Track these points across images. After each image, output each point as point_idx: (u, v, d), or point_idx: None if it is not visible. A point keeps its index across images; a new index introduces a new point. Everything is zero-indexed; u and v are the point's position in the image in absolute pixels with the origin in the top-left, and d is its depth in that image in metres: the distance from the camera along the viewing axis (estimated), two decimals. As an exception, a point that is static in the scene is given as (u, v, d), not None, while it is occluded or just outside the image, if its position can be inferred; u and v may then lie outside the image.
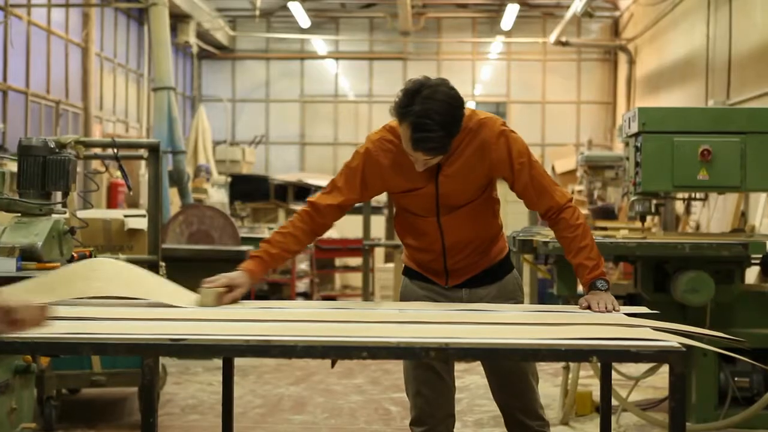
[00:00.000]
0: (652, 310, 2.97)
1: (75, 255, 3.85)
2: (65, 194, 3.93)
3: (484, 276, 3.09)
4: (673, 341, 2.18)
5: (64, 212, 4.00)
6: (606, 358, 2.14)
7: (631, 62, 15.59)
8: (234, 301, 2.84)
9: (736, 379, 4.93)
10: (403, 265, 3.25)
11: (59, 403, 5.05)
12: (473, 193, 2.98)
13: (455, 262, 3.07)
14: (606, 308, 2.79)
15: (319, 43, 18.51)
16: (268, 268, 3.02)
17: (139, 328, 2.31)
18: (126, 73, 14.77)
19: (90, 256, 4.00)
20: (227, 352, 2.15)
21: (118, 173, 10.71)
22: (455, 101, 2.76)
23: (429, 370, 3.04)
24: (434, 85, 2.76)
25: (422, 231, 3.05)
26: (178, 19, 15.05)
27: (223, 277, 2.87)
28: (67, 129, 11.66)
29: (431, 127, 2.70)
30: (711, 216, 9.54)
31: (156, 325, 2.37)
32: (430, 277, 3.13)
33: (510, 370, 3.05)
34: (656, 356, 2.13)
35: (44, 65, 11.41)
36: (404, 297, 3.20)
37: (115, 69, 14.21)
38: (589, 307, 2.83)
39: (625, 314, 2.77)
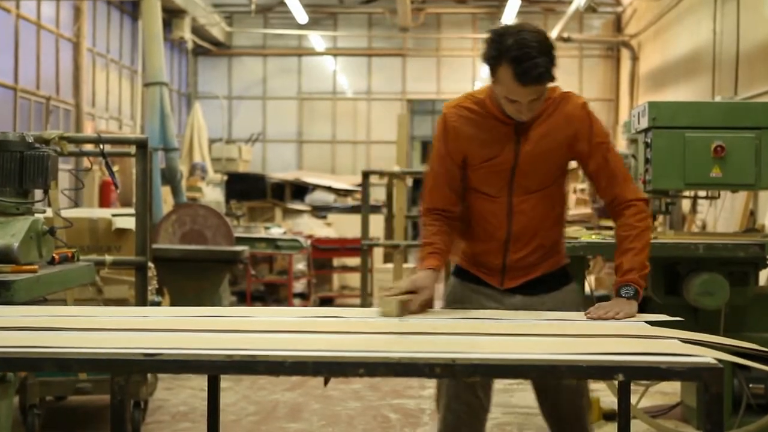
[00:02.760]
0: (662, 313, 2.81)
1: (56, 256, 3.66)
2: (45, 192, 3.72)
3: (542, 282, 2.88)
4: (707, 356, 1.94)
5: (44, 211, 3.79)
6: (633, 375, 1.91)
7: (635, 58, 15.38)
8: (422, 308, 2.67)
9: (750, 385, 4.74)
10: (454, 264, 3.05)
11: (43, 411, 4.84)
12: (549, 172, 2.83)
13: (515, 259, 2.87)
14: (603, 316, 2.61)
15: (317, 40, 18.29)
16: (446, 259, 2.89)
17: (109, 341, 2.07)
18: (119, 69, 14.52)
19: (73, 258, 3.80)
20: (207, 369, 1.92)
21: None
22: (543, 30, 2.69)
23: (463, 384, 2.85)
24: (517, 24, 2.70)
25: (489, 214, 2.87)
26: (173, 14, 14.82)
27: (413, 281, 2.71)
28: (58, 126, 11.40)
29: (533, 54, 2.59)
30: (718, 215, 9.32)
31: (128, 337, 2.13)
32: (484, 278, 2.93)
33: (565, 393, 2.85)
34: (689, 374, 1.90)
35: (34, 60, 11.17)
36: (450, 299, 3.01)
37: (108, 65, 13.97)
38: (593, 311, 2.66)
39: (646, 322, 2.56)
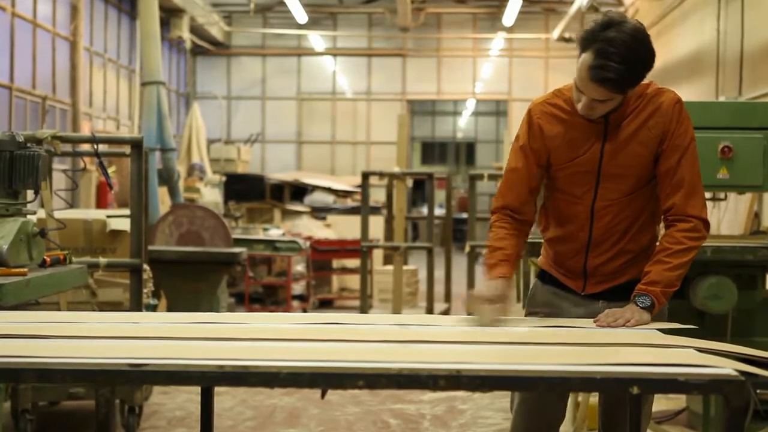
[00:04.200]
0: (668, 317, 2.73)
1: (47, 259, 3.56)
2: (35, 192, 3.62)
3: (628, 289, 2.68)
4: (727, 367, 1.83)
5: (34, 212, 3.68)
6: (649, 388, 1.80)
7: (636, 59, 15.26)
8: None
9: (758, 391, 4.63)
10: (539, 268, 2.95)
11: (35, 416, 4.73)
12: (638, 175, 2.68)
13: (597, 263, 2.75)
14: (612, 324, 2.49)
15: (316, 40, 18.19)
16: (516, 264, 2.76)
17: (95, 350, 1.95)
18: (117, 68, 14.40)
19: (65, 260, 3.71)
20: (197, 381, 1.81)
21: (109, 171, 10.38)
22: (649, 46, 2.55)
23: None
24: (632, 23, 2.55)
25: (572, 216, 2.75)
26: (171, 13, 14.71)
27: (489, 289, 2.57)
28: (55, 126, 11.27)
29: (616, 57, 2.47)
30: (722, 217, 9.21)
31: (114, 346, 2.02)
32: (566, 282, 2.82)
33: (622, 405, 2.70)
34: (709, 386, 1.79)
35: (30, 59, 11.03)
36: (532, 302, 2.90)
37: (105, 64, 13.84)
38: (602, 318, 2.55)
39: (658, 330, 2.45)
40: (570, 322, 2.62)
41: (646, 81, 2.66)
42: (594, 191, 2.70)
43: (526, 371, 1.81)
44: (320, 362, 1.85)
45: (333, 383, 1.82)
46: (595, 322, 2.55)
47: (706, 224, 2.69)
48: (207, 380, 1.82)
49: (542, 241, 2.96)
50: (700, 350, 2.06)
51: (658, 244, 2.70)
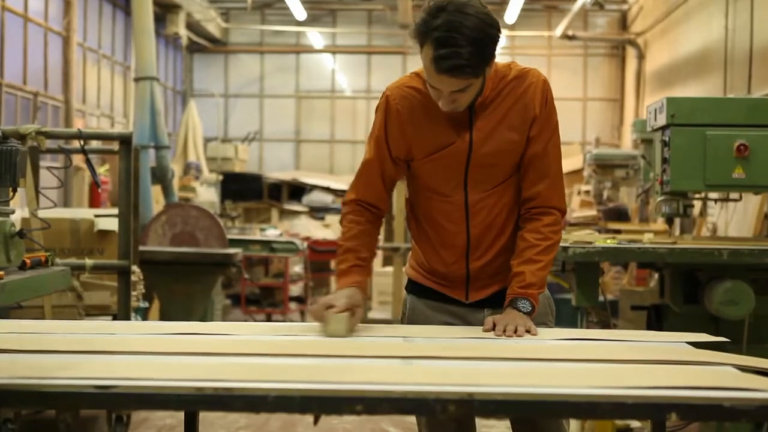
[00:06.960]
0: (681, 323, 2.52)
1: (27, 261, 3.37)
2: (13, 190, 3.42)
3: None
4: (780, 391, 1.61)
5: (13, 211, 3.49)
6: (690, 415, 1.59)
7: (641, 57, 15.07)
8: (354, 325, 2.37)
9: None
10: (406, 279, 2.68)
11: (18, 425, 4.52)
12: (509, 163, 2.48)
13: (479, 267, 2.52)
14: (515, 333, 2.30)
15: (315, 37, 17.98)
16: (369, 273, 2.53)
17: (58, 368, 1.72)
18: (111, 65, 14.16)
19: (46, 262, 3.52)
20: (174, 405, 1.59)
21: (102, 169, 10.14)
22: (489, 18, 2.29)
23: None
24: (463, 1, 2.28)
25: (444, 217, 2.51)
26: (167, 9, 14.48)
27: (341, 298, 2.36)
28: (47, 123, 11.03)
29: (459, 41, 2.21)
30: (730, 218, 9.00)
31: (81, 362, 1.79)
32: (445, 292, 2.57)
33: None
34: (759, 413, 1.57)
35: (21, 55, 10.79)
36: (410, 322, 2.62)
37: (99, 60, 13.60)
38: (496, 328, 2.36)
39: (687, 343, 2.23)
40: (590, 334, 2.39)
41: (506, 62, 2.50)
42: (464, 184, 2.48)
43: (547, 395, 1.59)
44: (313, 384, 1.62)
45: (328, 408, 1.60)
46: (494, 333, 2.34)
47: (564, 214, 2.55)
48: (184, 404, 1.60)
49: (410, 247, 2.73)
50: (742, 369, 1.84)
51: (522, 237, 2.50)
